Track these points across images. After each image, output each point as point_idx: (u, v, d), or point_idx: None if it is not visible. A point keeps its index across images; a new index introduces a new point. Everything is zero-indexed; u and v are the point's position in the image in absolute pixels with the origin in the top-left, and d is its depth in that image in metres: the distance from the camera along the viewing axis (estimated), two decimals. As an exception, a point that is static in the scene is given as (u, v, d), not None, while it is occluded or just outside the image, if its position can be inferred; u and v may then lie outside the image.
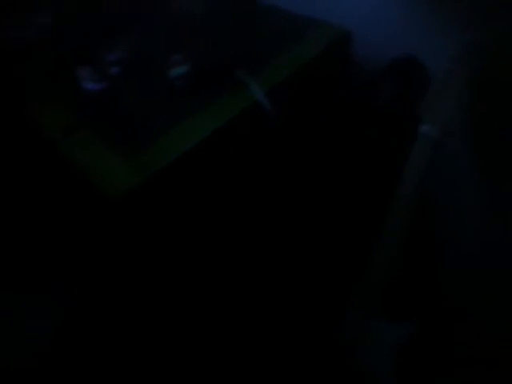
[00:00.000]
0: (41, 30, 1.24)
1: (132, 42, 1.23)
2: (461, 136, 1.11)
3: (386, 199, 1.02)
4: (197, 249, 1.11)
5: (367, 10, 1.18)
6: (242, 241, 1.19)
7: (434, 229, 1.34)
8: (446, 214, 1.30)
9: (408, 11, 1.10)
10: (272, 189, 1.20)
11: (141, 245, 1.00)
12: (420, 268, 1.35)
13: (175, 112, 1.04)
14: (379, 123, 1.18)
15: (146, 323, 1.12)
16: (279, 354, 1.30)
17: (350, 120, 1.27)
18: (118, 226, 0.95)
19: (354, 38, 1.21)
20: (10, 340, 1.09)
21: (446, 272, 1.37)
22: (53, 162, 1.05)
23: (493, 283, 1.22)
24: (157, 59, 1.18)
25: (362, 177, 1.31)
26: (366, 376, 1.17)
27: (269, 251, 1.26)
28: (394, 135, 1.13)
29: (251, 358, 1.23)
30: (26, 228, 1.25)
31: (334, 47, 1.19)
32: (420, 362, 1.20)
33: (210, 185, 1.06)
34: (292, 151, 1.19)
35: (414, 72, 1.13)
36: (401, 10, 1.11)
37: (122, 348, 1.13)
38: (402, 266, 1.10)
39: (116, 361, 1.11)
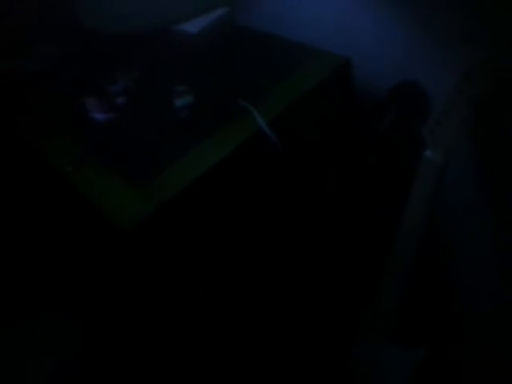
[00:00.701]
0: (47, 61, 1.26)
1: (137, 72, 1.25)
2: (465, 160, 1.13)
3: (392, 225, 1.03)
4: (211, 273, 1.11)
5: (368, 36, 1.20)
6: (253, 265, 1.20)
7: (444, 252, 1.34)
8: (455, 237, 1.31)
9: (409, 37, 1.12)
10: (280, 214, 1.21)
11: (156, 273, 1.00)
12: (431, 292, 1.35)
13: (182, 141, 1.06)
14: (382, 150, 1.20)
15: (158, 361, 1.11)
16: (289, 379, 1.29)
17: (353, 147, 1.29)
18: (133, 257, 0.95)
19: (355, 65, 1.23)
20: (7, 380, 1.06)
21: (459, 295, 1.36)
22: (63, 196, 1.06)
23: (507, 306, 1.21)
24: (161, 90, 1.20)
25: (366, 204, 1.32)
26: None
27: (278, 275, 1.26)
28: (398, 162, 1.15)
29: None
30: (41, 263, 1.25)
31: (336, 75, 1.21)
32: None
33: (218, 212, 1.07)
34: (297, 178, 1.21)
35: (415, 97, 1.15)
36: (402, 36, 1.13)
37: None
38: (413, 290, 1.10)
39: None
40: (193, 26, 1.33)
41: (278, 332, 1.32)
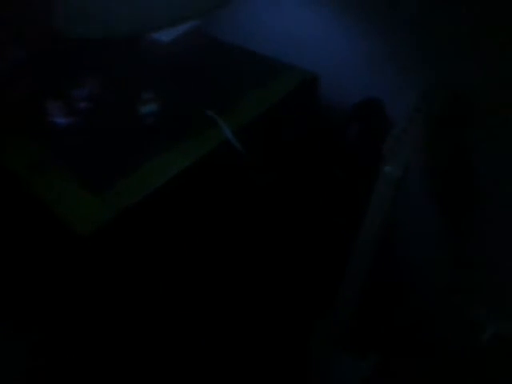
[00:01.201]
0: (12, 63, 1.24)
1: (103, 77, 1.24)
2: (421, 176, 1.17)
3: (350, 235, 1.05)
4: (169, 281, 1.10)
5: (336, 55, 1.24)
6: (211, 274, 1.19)
7: (398, 263, 1.37)
8: (409, 250, 1.34)
9: (373, 57, 1.16)
10: (243, 223, 1.21)
11: (113, 279, 0.98)
12: (383, 303, 1.38)
13: (145, 149, 1.05)
14: (345, 164, 1.23)
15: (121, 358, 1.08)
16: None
17: (318, 160, 1.31)
18: (90, 263, 0.94)
19: (322, 81, 1.26)
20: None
21: (410, 305, 1.40)
22: (21, 200, 1.04)
23: (455, 313, 1.25)
24: (127, 96, 1.19)
25: (328, 214, 1.34)
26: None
27: (236, 284, 1.26)
28: (360, 175, 1.18)
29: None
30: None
31: (302, 90, 1.23)
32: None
33: (180, 221, 1.06)
34: (262, 189, 1.21)
35: (377, 115, 1.18)
36: (367, 57, 1.17)
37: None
38: (366, 301, 1.12)
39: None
40: (164, 36, 1.34)
41: (232, 340, 1.31)
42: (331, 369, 1.15)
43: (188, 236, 1.09)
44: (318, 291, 1.39)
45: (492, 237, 1.15)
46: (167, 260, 1.07)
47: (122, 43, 1.29)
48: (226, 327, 1.29)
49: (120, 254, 0.97)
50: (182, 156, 1.04)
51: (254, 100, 1.17)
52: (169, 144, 1.06)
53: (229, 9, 1.28)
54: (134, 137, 1.09)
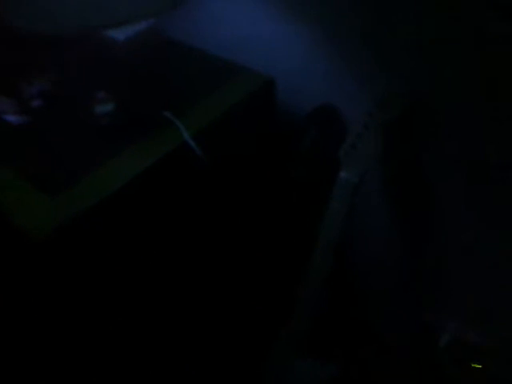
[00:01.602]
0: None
1: (56, 75, 1.20)
2: (378, 182, 1.21)
3: (309, 240, 1.07)
4: (129, 286, 1.08)
5: (293, 60, 1.26)
6: (172, 277, 1.18)
7: (355, 269, 1.41)
8: (365, 256, 1.38)
9: (331, 65, 1.19)
10: (203, 226, 1.21)
11: (67, 284, 0.95)
12: (343, 308, 1.41)
13: (101, 150, 1.03)
14: (302, 168, 1.25)
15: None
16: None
17: (276, 163, 1.33)
18: (43, 268, 0.91)
19: (278, 86, 1.27)
20: None
21: (370, 312, 1.43)
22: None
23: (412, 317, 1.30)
24: (81, 95, 1.16)
25: (286, 217, 1.36)
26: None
27: (197, 286, 1.26)
28: (316, 180, 1.20)
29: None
30: None
31: (260, 93, 1.24)
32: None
33: (137, 225, 1.04)
34: (220, 192, 1.22)
35: (333, 121, 1.21)
36: (325, 64, 1.20)
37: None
38: (327, 306, 1.15)
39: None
40: (119, 33, 1.31)
41: (192, 343, 1.31)
42: (291, 373, 1.16)
43: (145, 238, 1.08)
44: (276, 297, 1.40)
45: (448, 241, 1.20)
46: (124, 263, 1.05)
47: (75, 40, 1.25)
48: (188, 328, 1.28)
49: (76, 259, 0.94)
50: (139, 157, 1.02)
51: (210, 102, 1.17)
52: (125, 145, 1.04)
53: (184, 8, 1.27)
54: (90, 137, 1.06)
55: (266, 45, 1.30)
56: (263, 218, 1.38)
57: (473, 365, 1.17)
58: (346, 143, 1.00)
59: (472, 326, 1.19)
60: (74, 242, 0.92)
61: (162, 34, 1.41)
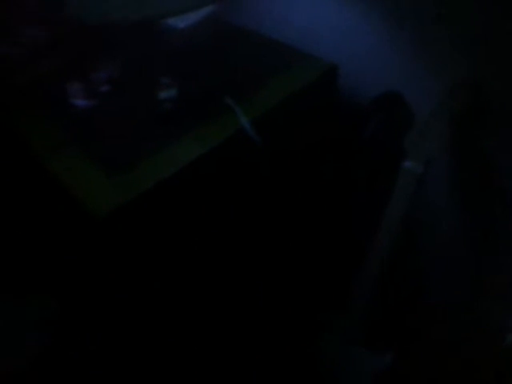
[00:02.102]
0: (33, 44, 1.23)
1: (123, 61, 1.24)
2: (444, 172, 1.15)
3: (370, 230, 1.04)
4: (182, 269, 1.09)
5: (359, 45, 1.22)
6: (226, 263, 1.19)
7: (418, 260, 1.36)
8: (429, 247, 1.33)
9: (398, 50, 1.14)
10: (259, 214, 1.21)
11: (126, 262, 0.99)
12: (400, 297, 1.37)
13: (162, 134, 1.04)
14: (364, 157, 1.21)
15: (134, 337, 1.09)
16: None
17: (337, 152, 1.30)
18: (104, 245, 0.94)
19: (341, 72, 1.24)
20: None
21: (426, 301, 1.38)
22: (39, 179, 1.04)
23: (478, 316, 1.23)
24: (146, 81, 1.18)
25: (347, 209, 1.33)
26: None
27: (251, 271, 1.26)
28: (381, 171, 1.16)
29: None
30: (11, 244, 1.22)
31: (322, 80, 1.21)
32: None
33: (194, 208, 1.06)
34: (277, 179, 1.20)
35: (398, 108, 1.16)
36: (392, 49, 1.15)
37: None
38: (383, 295, 1.11)
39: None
40: (180, 21, 1.32)
41: (243, 329, 1.31)
42: (342, 363, 1.14)
43: (199, 224, 1.09)
44: (325, 286, 1.38)
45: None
46: (178, 247, 1.07)
47: (138, 28, 1.28)
48: (232, 321, 1.28)
49: (132, 238, 0.97)
50: (197, 143, 1.03)
51: (273, 88, 1.16)
52: (185, 130, 1.06)
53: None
54: (152, 121, 1.08)
55: (333, 31, 1.26)
56: (320, 208, 1.36)
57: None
58: (413, 132, 0.96)
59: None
60: (132, 223, 0.94)
61: (224, 21, 1.41)
